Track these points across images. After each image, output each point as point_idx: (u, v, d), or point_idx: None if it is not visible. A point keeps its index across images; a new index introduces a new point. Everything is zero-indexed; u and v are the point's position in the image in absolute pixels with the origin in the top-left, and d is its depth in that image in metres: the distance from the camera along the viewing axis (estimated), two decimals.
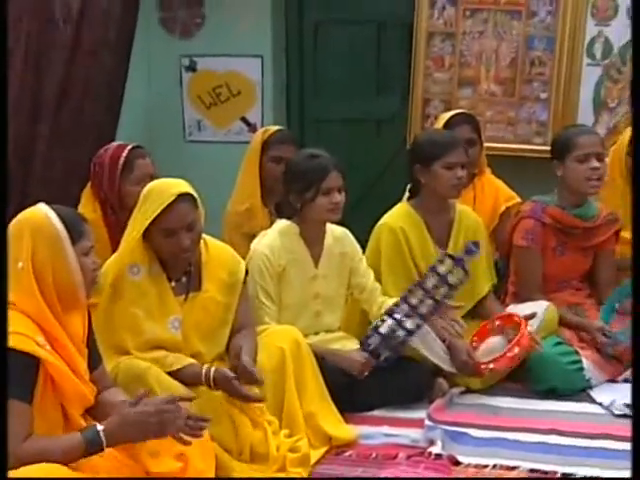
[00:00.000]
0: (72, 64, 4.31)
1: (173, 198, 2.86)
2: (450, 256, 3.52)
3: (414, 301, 3.44)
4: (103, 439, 2.25)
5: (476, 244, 3.53)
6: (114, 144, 3.74)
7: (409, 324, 3.42)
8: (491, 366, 3.46)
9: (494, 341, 3.60)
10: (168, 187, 2.91)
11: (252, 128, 5.26)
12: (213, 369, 2.85)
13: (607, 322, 3.78)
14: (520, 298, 3.95)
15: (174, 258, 2.96)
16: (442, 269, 3.47)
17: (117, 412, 2.35)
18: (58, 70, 4.26)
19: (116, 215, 3.59)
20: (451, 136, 3.84)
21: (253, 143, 4.25)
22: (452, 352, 3.52)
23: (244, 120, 5.38)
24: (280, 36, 5.46)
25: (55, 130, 4.27)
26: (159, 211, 2.85)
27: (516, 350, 3.43)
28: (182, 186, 2.93)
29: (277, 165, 4.11)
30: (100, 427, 2.27)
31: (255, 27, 5.27)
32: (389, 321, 3.42)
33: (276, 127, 4.40)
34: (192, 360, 2.92)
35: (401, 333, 3.41)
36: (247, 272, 3.22)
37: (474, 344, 3.59)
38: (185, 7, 5.33)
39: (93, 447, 2.25)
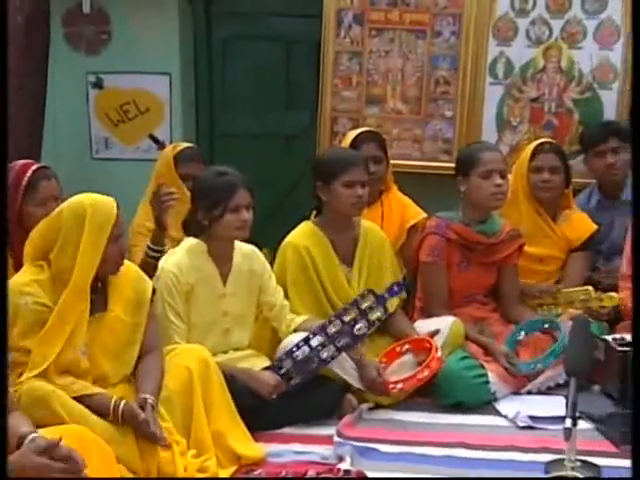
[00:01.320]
0: None
1: (116, 211, 2.90)
2: (373, 293, 3.55)
3: (332, 332, 3.45)
4: None
5: (399, 285, 3.58)
6: (20, 162, 3.65)
7: (324, 354, 3.43)
8: (399, 386, 3.50)
9: (404, 360, 3.66)
10: (104, 203, 2.95)
11: (161, 145, 5.23)
12: (122, 403, 2.80)
13: (512, 348, 3.83)
14: (427, 313, 3.99)
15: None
16: (364, 305, 3.51)
17: (21, 454, 2.28)
18: None
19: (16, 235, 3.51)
20: (351, 154, 3.86)
21: (163, 159, 4.23)
22: (361, 370, 3.54)
23: (152, 137, 5.35)
24: (188, 53, 5.44)
25: None
26: (110, 227, 2.91)
27: (426, 373, 3.50)
28: (110, 199, 2.98)
29: (185, 183, 4.10)
30: None
31: (163, 44, 5.24)
32: (304, 348, 3.42)
33: (185, 144, 4.39)
34: (101, 390, 2.87)
35: (315, 361, 3.42)
36: (154, 291, 3.19)
37: (383, 365, 3.62)
38: (91, 23, 5.28)
39: None
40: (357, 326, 3.47)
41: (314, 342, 3.42)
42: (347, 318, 3.47)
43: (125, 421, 2.78)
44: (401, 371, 3.61)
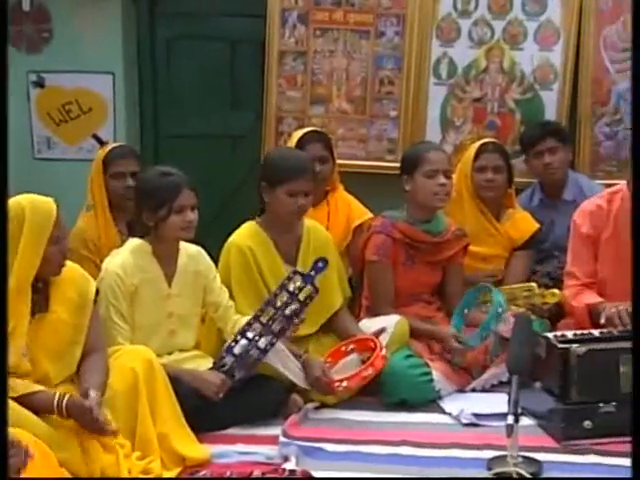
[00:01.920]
0: None
1: (56, 212, 2.89)
2: (299, 273, 3.55)
3: (266, 319, 3.45)
4: None
5: (324, 261, 3.58)
6: None
7: (262, 343, 3.42)
8: (344, 384, 3.52)
9: (349, 359, 3.68)
10: (43, 204, 2.93)
11: (104, 145, 5.17)
12: (66, 397, 2.78)
13: (459, 330, 3.88)
14: (373, 312, 4.01)
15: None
16: (292, 286, 3.49)
17: None
18: None
19: None
20: (300, 162, 3.77)
21: (94, 163, 4.21)
22: (306, 370, 3.55)
23: (96, 137, 5.30)
24: (132, 52, 5.40)
25: None
26: (50, 228, 2.89)
27: (370, 371, 3.52)
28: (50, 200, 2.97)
29: (118, 181, 4.11)
30: None
31: (106, 43, 5.20)
32: (242, 341, 3.42)
33: (115, 144, 4.37)
34: (41, 387, 2.84)
35: (255, 352, 3.42)
36: (98, 292, 3.17)
37: (328, 364, 3.63)
38: (32, 21, 5.21)
39: None
40: (289, 308, 3.47)
41: (250, 333, 3.42)
42: (278, 303, 3.47)
43: (70, 415, 2.76)
44: (346, 370, 3.62)
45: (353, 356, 3.68)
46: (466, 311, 3.94)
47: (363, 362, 3.60)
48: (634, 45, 3.47)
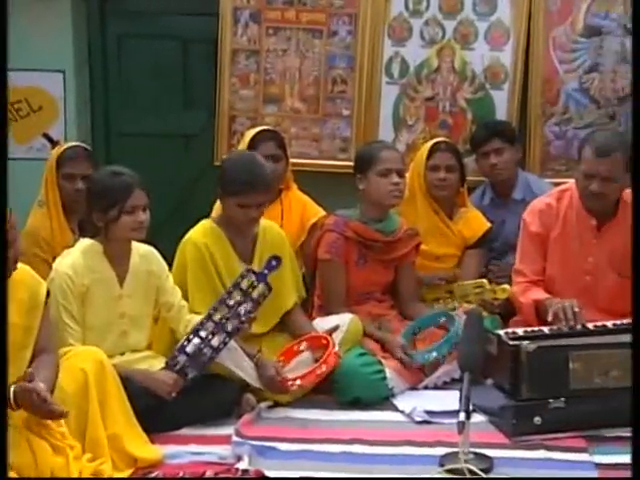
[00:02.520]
0: None
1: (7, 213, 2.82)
2: (252, 271, 3.54)
3: (219, 318, 3.44)
4: None
5: (277, 259, 3.58)
6: None
7: (215, 341, 3.42)
8: (298, 382, 3.53)
9: (302, 358, 3.69)
10: None
11: (55, 144, 5.12)
12: (13, 386, 2.74)
13: (408, 341, 3.90)
14: (326, 311, 4.02)
15: None
16: (245, 284, 3.49)
17: None
18: None
19: None
20: (252, 176, 3.65)
21: (48, 161, 4.17)
22: (260, 370, 3.55)
23: (46, 136, 5.25)
24: (82, 50, 5.35)
25: None
26: None
27: (323, 368, 3.53)
28: None
29: (69, 183, 4.08)
30: None
31: (56, 41, 5.15)
32: (195, 340, 3.41)
33: (71, 143, 4.33)
34: None
35: (208, 351, 3.41)
36: (49, 293, 3.13)
37: (281, 363, 3.64)
38: None
39: None
40: (242, 307, 3.47)
41: (203, 332, 3.42)
42: (231, 302, 3.47)
43: (19, 402, 2.68)
44: (299, 369, 3.63)
45: (306, 354, 3.70)
46: (418, 330, 3.97)
47: (316, 360, 3.61)
48: (634, 45, 3.50)
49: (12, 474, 2.61)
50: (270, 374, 3.53)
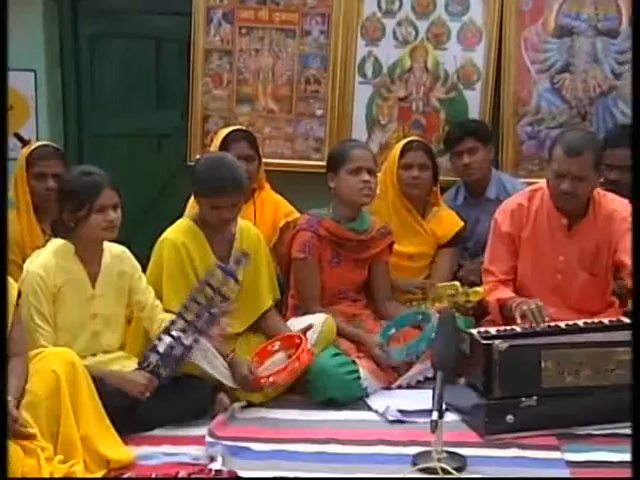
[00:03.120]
0: None
1: None
2: (221, 268, 3.54)
3: (190, 316, 3.44)
4: None
5: (245, 254, 3.59)
6: None
7: (187, 340, 3.41)
8: (271, 380, 3.53)
9: (276, 358, 3.69)
10: None
11: (26, 144, 5.08)
12: None
13: (385, 340, 3.90)
14: (300, 310, 4.02)
15: None
16: (214, 281, 3.49)
17: None
18: None
19: None
20: (221, 179, 3.62)
21: (17, 161, 4.14)
22: (233, 368, 3.55)
23: (17, 136, 5.20)
24: (54, 49, 5.32)
25: None
26: None
27: (296, 364, 3.53)
28: None
29: (40, 182, 4.06)
30: None
31: (27, 40, 5.09)
32: (167, 339, 3.40)
33: (40, 143, 4.31)
34: None
35: (179, 349, 3.40)
36: (20, 294, 3.12)
37: (255, 363, 3.63)
38: None
39: None
40: (213, 303, 3.47)
41: (174, 331, 3.41)
42: (202, 299, 3.47)
43: None
44: (273, 368, 3.62)
45: (280, 354, 3.69)
46: (394, 330, 3.97)
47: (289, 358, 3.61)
48: (634, 45, 3.50)
49: None
50: (244, 373, 3.52)
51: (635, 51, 3.43)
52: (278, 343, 3.72)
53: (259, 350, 3.73)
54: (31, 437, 2.79)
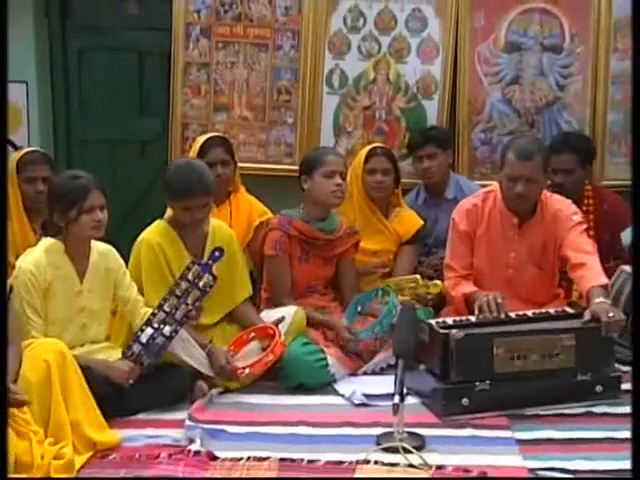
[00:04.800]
0: None
1: None
2: (197, 263, 3.54)
3: (169, 308, 3.45)
4: None
5: (220, 250, 3.59)
6: None
7: (166, 330, 3.42)
8: (247, 371, 3.53)
9: (250, 347, 3.69)
10: None
11: (19, 150, 5.05)
12: None
13: (351, 321, 3.92)
14: (272, 303, 4.02)
15: None
16: (191, 275, 3.50)
17: None
18: None
19: None
20: (187, 184, 3.60)
21: (9, 164, 4.11)
22: (211, 358, 3.55)
23: (10, 143, 5.14)
24: (45, 62, 5.29)
25: None
26: None
27: (270, 357, 3.53)
28: None
29: (30, 186, 4.04)
30: None
31: (19, 54, 5.04)
32: (148, 330, 3.40)
33: (28, 149, 4.28)
34: None
35: (160, 339, 3.40)
36: (12, 289, 3.11)
37: (231, 352, 3.63)
38: None
39: None
40: (190, 296, 3.48)
41: (155, 322, 3.42)
42: (179, 292, 3.47)
43: None
44: (248, 357, 3.63)
45: (254, 343, 3.69)
46: (359, 308, 3.99)
47: (263, 349, 3.61)
48: (635, 46, 3.49)
49: None
50: (221, 362, 3.52)
51: (635, 51, 3.43)
52: (253, 334, 3.72)
53: (235, 339, 3.73)
54: (25, 403, 2.78)
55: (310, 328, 3.88)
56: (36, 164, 4.09)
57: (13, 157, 4.19)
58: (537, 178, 3.71)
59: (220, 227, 3.90)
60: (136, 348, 3.38)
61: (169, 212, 3.97)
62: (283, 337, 3.61)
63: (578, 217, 3.82)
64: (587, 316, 3.41)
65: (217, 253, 3.58)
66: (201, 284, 3.49)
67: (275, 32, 4.91)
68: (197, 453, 2.97)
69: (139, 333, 3.41)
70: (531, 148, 3.73)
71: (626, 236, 4.15)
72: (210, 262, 3.55)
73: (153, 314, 3.43)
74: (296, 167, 4.26)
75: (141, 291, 3.64)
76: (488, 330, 3.40)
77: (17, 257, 3.52)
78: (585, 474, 2.82)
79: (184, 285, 3.48)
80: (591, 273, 3.57)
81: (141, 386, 3.33)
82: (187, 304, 3.46)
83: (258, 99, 4.98)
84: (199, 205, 3.65)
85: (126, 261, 3.68)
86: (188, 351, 3.51)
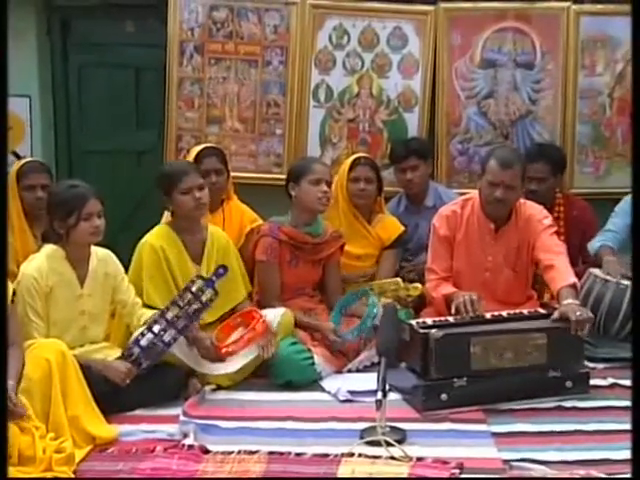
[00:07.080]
0: None
1: None
2: (201, 277, 3.54)
3: (171, 316, 3.44)
4: None
5: (224, 268, 3.59)
6: None
7: (166, 337, 3.41)
8: (230, 349, 3.54)
9: (237, 331, 3.70)
10: None
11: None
12: None
13: (337, 324, 3.92)
14: (262, 305, 4.01)
15: None
16: (194, 288, 3.49)
17: None
18: None
19: None
20: (181, 165, 3.92)
21: (9, 174, 4.11)
22: (197, 343, 3.56)
23: (14, 153, 5.15)
24: (46, 78, 5.29)
25: None
26: None
27: (251, 334, 3.55)
28: None
29: (30, 193, 4.04)
30: None
31: (23, 70, 5.03)
32: (149, 335, 3.40)
33: (27, 159, 4.28)
34: None
35: (160, 345, 3.40)
36: (15, 292, 3.12)
37: (220, 337, 3.65)
38: None
39: None
40: (192, 308, 3.47)
41: (156, 328, 3.41)
42: (182, 303, 3.47)
43: None
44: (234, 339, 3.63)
45: (241, 328, 3.70)
46: (343, 310, 3.99)
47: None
48: (635, 46, 3.48)
49: None
50: (206, 344, 3.54)
51: (635, 51, 3.42)
52: (239, 319, 3.73)
53: (222, 326, 3.74)
54: (27, 418, 2.77)
55: (298, 329, 3.88)
56: (35, 172, 4.09)
57: (13, 167, 4.17)
58: (516, 185, 3.74)
59: (217, 232, 3.93)
60: (135, 351, 3.38)
61: (167, 218, 3.97)
62: (265, 318, 3.61)
63: (548, 220, 3.85)
64: (556, 315, 3.43)
65: (221, 270, 3.58)
66: (204, 298, 3.49)
67: (264, 49, 4.91)
68: (191, 447, 2.97)
69: (139, 337, 3.40)
70: (512, 157, 3.78)
71: (592, 246, 4.19)
72: (214, 278, 3.55)
73: (154, 320, 3.43)
74: (284, 176, 4.26)
75: (141, 291, 3.64)
76: (465, 330, 3.41)
77: (17, 263, 3.52)
78: (556, 465, 2.83)
79: (187, 296, 3.48)
80: (560, 274, 3.60)
81: (138, 384, 3.32)
82: (188, 314, 3.46)
83: (248, 112, 4.98)
84: (197, 185, 3.70)
85: (125, 266, 3.67)
86: (183, 351, 3.52)
